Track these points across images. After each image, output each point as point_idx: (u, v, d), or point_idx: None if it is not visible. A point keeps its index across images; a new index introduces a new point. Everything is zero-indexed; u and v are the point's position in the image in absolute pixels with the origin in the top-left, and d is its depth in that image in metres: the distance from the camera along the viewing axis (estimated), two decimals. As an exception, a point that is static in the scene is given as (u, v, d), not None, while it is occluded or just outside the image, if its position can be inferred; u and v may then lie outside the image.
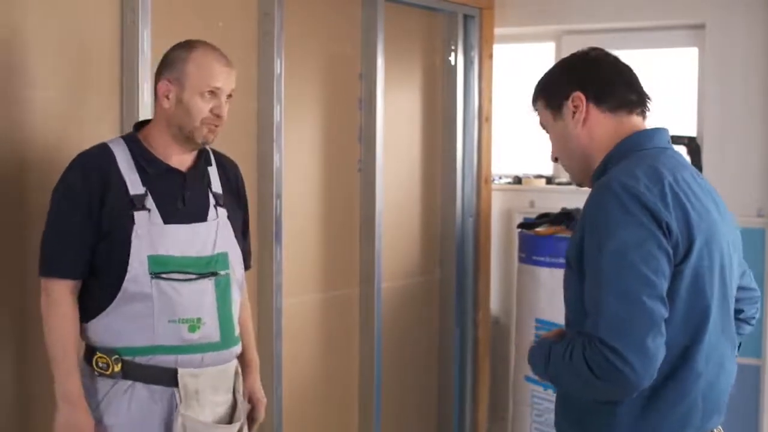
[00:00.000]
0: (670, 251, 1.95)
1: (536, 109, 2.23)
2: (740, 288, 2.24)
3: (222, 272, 2.56)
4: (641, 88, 2.18)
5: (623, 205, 1.95)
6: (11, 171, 2.72)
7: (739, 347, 2.30)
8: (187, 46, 2.56)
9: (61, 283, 2.45)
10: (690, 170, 2.12)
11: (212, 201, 2.61)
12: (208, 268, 2.53)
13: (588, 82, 2.14)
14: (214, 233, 2.57)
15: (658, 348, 1.91)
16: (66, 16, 2.86)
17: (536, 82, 2.24)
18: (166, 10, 3.12)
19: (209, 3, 3.38)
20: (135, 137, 2.56)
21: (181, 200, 2.54)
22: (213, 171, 2.65)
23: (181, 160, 2.57)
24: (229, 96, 2.56)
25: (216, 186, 2.64)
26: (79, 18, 2.90)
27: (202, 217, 2.57)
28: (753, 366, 4.56)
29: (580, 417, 2.09)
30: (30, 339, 2.75)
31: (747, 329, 2.32)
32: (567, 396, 2.14)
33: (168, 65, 2.54)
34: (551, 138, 2.22)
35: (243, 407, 2.65)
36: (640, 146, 2.11)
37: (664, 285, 1.94)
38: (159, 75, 2.56)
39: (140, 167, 2.49)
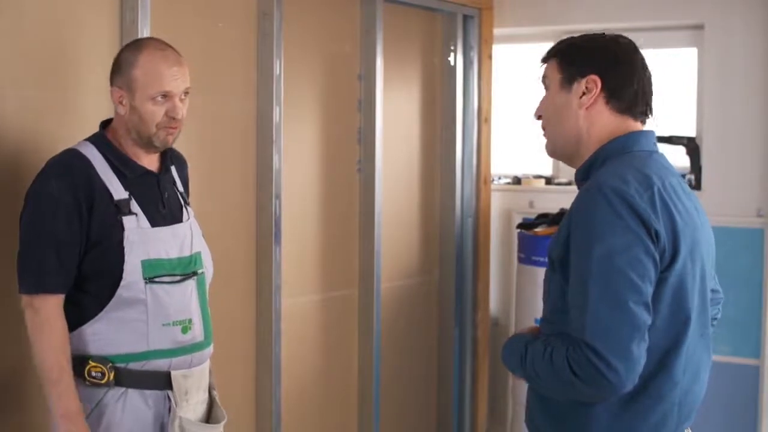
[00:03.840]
0: (657, 257, 1.96)
1: (545, 64, 2.17)
2: None
3: (200, 271, 2.58)
4: (651, 101, 2.16)
5: (614, 209, 1.94)
6: (7, 172, 2.71)
7: None
8: (134, 48, 2.49)
9: (52, 299, 2.36)
10: (676, 175, 2.12)
11: (181, 201, 2.63)
12: (189, 268, 2.54)
13: (611, 73, 2.10)
14: (189, 233, 2.58)
15: (642, 353, 1.93)
16: (65, 15, 2.85)
17: (562, 40, 2.18)
18: (166, 10, 3.11)
19: (208, 3, 3.37)
20: (105, 139, 2.50)
21: (161, 202, 2.53)
22: (173, 169, 2.65)
23: (150, 160, 2.55)
24: (186, 93, 2.51)
25: (179, 185, 2.66)
26: (78, 18, 2.89)
27: (178, 218, 2.58)
28: (752, 366, 4.56)
29: (558, 414, 2.09)
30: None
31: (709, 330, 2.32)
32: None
33: (117, 70, 2.49)
34: (546, 99, 2.18)
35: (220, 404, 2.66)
36: (628, 148, 2.10)
37: (649, 291, 1.95)
38: (111, 80, 2.50)
39: (117, 171, 2.46)
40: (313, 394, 3.94)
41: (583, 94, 2.11)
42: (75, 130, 2.83)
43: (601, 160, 2.10)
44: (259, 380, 3.60)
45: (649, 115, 2.17)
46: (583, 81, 2.10)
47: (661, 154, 2.16)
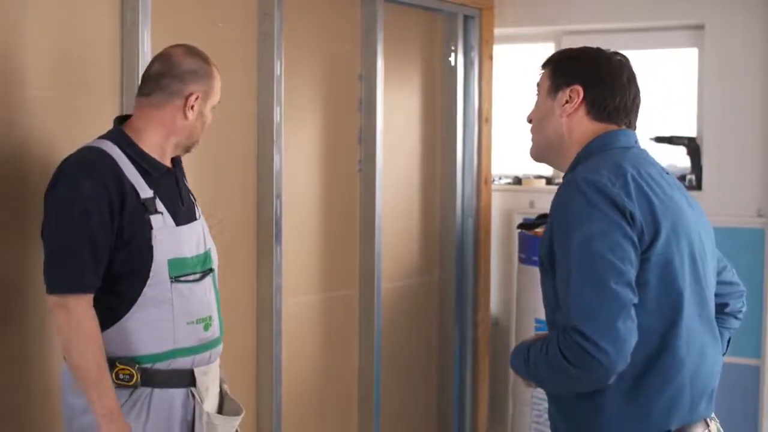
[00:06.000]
0: (635, 239, 2.00)
1: (542, 71, 2.28)
2: (724, 283, 2.30)
3: (213, 268, 2.60)
4: (635, 116, 2.23)
5: (588, 199, 2.01)
6: (11, 171, 2.71)
7: (729, 342, 2.35)
8: (204, 58, 2.57)
9: (83, 299, 2.35)
10: (656, 167, 2.19)
11: (192, 198, 2.66)
12: (205, 266, 2.56)
13: (594, 85, 2.19)
14: (202, 231, 2.61)
15: (630, 331, 1.95)
16: (66, 16, 2.85)
17: (560, 51, 2.31)
18: (166, 10, 3.12)
19: (209, 3, 3.38)
20: (127, 137, 2.49)
21: (180, 200, 2.55)
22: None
23: (167, 161, 2.58)
24: None
25: (187, 182, 2.68)
26: (79, 18, 2.90)
27: (193, 215, 2.60)
28: (752, 366, 4.57)
29: (571, 408, 2.13)
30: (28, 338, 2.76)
31: (735, 323, 2.36)
32: None
33: (197, 78, 2.53)
34: (537, 104, 2.28)
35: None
36: (609, 146, 2.17)
37: (631, 271, 1.99)
38: (183, 85, 2.51)
39: (141, 169, 2.47)
40: (314, 394, 3.94)
41: (566, 102, 2.20)
42: (76, 130, 2.84)
43: (584, 159, 2.17)
44: (259, 380, 3.61)
45: (632, 128, 2.24)
46: (567, 90, 2.20)
47: (643, 150, 2.23)
